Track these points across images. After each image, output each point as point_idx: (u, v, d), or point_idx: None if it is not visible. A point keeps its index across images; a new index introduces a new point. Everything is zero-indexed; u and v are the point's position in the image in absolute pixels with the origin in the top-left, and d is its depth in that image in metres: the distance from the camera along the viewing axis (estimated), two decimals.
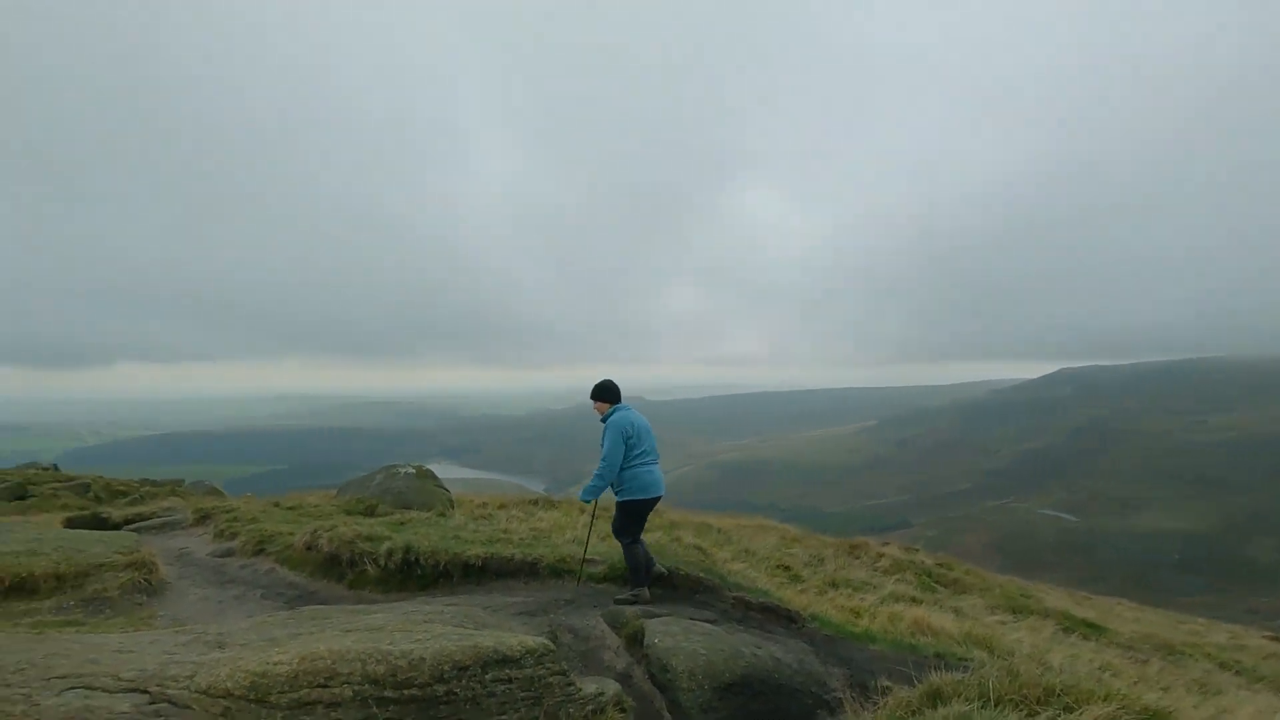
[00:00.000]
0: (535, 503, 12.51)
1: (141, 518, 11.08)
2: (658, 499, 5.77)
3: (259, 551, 8.08)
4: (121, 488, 18.44)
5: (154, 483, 19.78)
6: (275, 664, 2.85)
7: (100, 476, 20.17)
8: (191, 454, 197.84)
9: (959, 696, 3.44)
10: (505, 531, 8.53)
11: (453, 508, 11.01)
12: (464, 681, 3.14)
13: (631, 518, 5.74)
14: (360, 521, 8.49)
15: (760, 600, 5.92)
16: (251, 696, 2.75)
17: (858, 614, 7.08)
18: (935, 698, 3.52)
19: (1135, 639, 10.83)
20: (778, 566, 9.65)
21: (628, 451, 5.59)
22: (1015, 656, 5.23)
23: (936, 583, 12.13)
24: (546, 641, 3.66)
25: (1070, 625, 10.42)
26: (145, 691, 2.80)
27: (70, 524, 10.25)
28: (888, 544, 15.62)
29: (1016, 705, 3.30)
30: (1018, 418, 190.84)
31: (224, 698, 2.75)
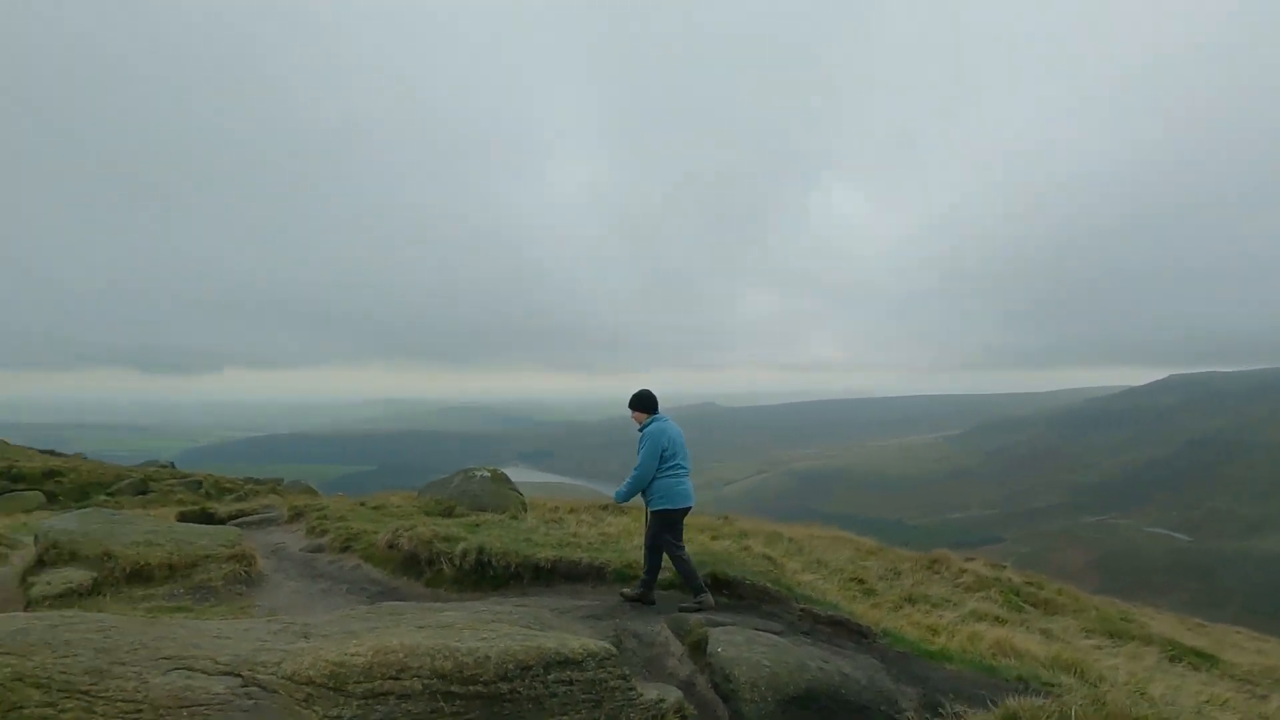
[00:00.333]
0: (605, 508, 12.67)
1: (244, 514, 11.92)
2: (687, 509, 5.86)
3: (346, 548, 8.54)
4: (228, 485, 19.92)
5: (256, 481, 21.24)
6: (352, 655, 3.04)
7: (211, 474, 21.84)
8: (290, 454, 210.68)
9: None
10: (574, 536, 8.68)
11: (525, 511, 11.29)
12: (527, 680, 3.23)
13: (666, 526, 5.85)
14: (438, 522, 8.85)
15: (829, 613, 5.79)
16: (330, 685, 2.93)
17: (935, 632, 6.80)
18: None
19: (1254, 672, 9.89)
20: (851, 579, 9.39)
21: (661, 462, 5.74)
22: (1107, 684, 4.91)
23: (1025, 602, 11.47)
24: (608, 645, 3.72)
25: (1177, 654, 9.62)
26: (238, 675, 3.03)
27: (182, 518, 11.16)
28: (971, 559, 14.90)
29: None
30: (1119, 428, 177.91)
31: (306, 684, 2.95)
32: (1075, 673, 6.00)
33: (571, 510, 11.90)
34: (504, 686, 3.17)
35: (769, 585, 6.16)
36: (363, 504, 12.39)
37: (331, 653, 3.07)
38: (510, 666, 3.22)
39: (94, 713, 2.73)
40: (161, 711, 2.77)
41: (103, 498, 17.70)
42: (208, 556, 7.02)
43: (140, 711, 2.76)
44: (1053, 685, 5.03)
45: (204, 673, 3.02)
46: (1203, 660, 9.76)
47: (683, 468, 5.82)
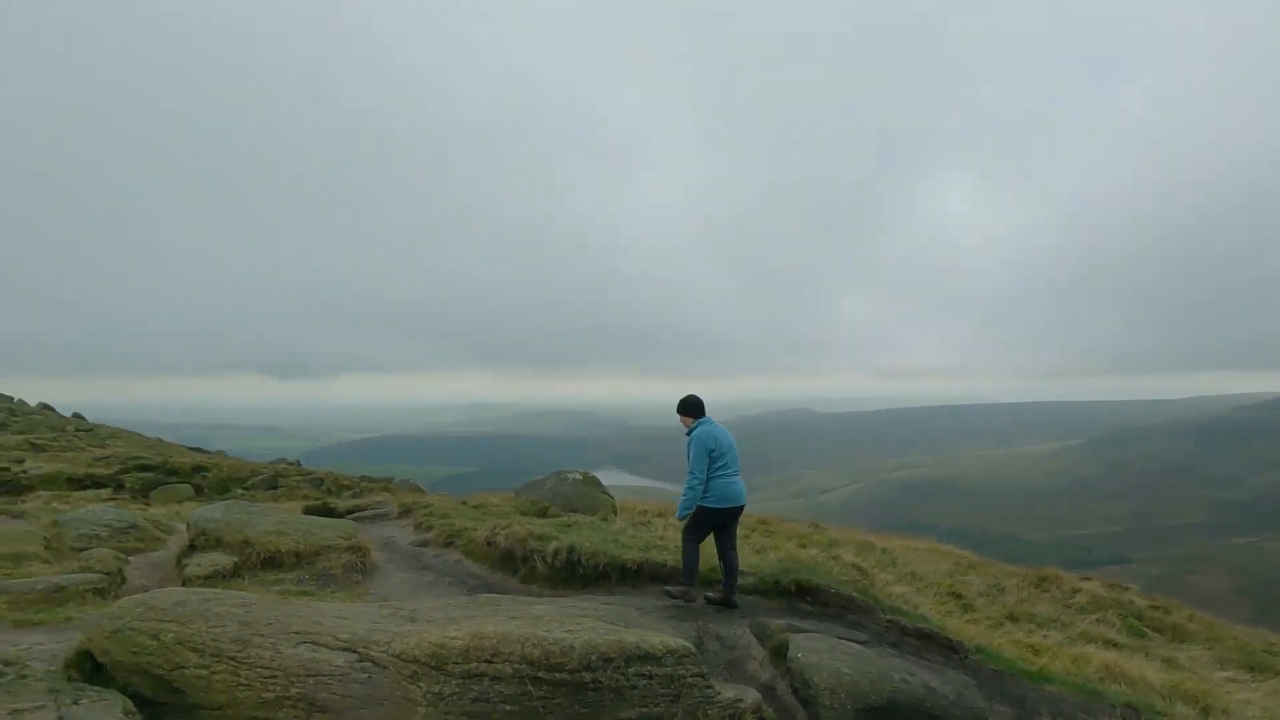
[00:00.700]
0: None
1: (359, 509, 12.90)
2: (739, 509, 5.94)
3: (449, 544, 9.12)
4: (346, 482, 21.53)
5: (370, 479, 22.83)
6: (451, 638, 3.34)
7: (330, 472, 23.70)
8: (399, 455, 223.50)
9: None
10: (661, 538, 8.85)
11: (615, 513, 11.59)
12: (608, 672, 3.43)
13: (703, 522, 5.95)
14: (532, 521, 9.27)
15: (917, 626, 5.66)
16: (432, 664, 3.25)
17: (1036, 651, 6.47)
18: None
19: None
20: (948, 594, 9.04)
21: (711, 463, 5.81)
22: None
23: (1148, 627, 10.60)
24: (687, 644, 3.86)
25: None
26: (355, 651, 3.41)
27: (307, 511, 12.22)
28: (1087, 579, 13.88)
29: None
30: (1271, 440, 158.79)
31: (412, 662, 3.28)
32: (1198, 705, 5.57)
33: (660, 514, 12.10)
34: (587, 676, 3.39)
35: (854, 594, 6.09)
36: (464, 503, 13.10)
37: (434, 635, 3.40)
38: (593, 658, 3.43)
39: (239, 675, 3.16)
40: (293, 678, 3.17)
41: (240, 491, 19.59)
42: (329, 547, 7.72)
43: (275, 677, 3.17)
44: (1167, 716, 4.72)
45: (327, 647, 3.42)
46: None
47: (730, 468, 5.89)
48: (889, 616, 5.82)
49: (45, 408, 37.56)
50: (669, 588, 6.17)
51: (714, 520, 5.94)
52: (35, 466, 18.67)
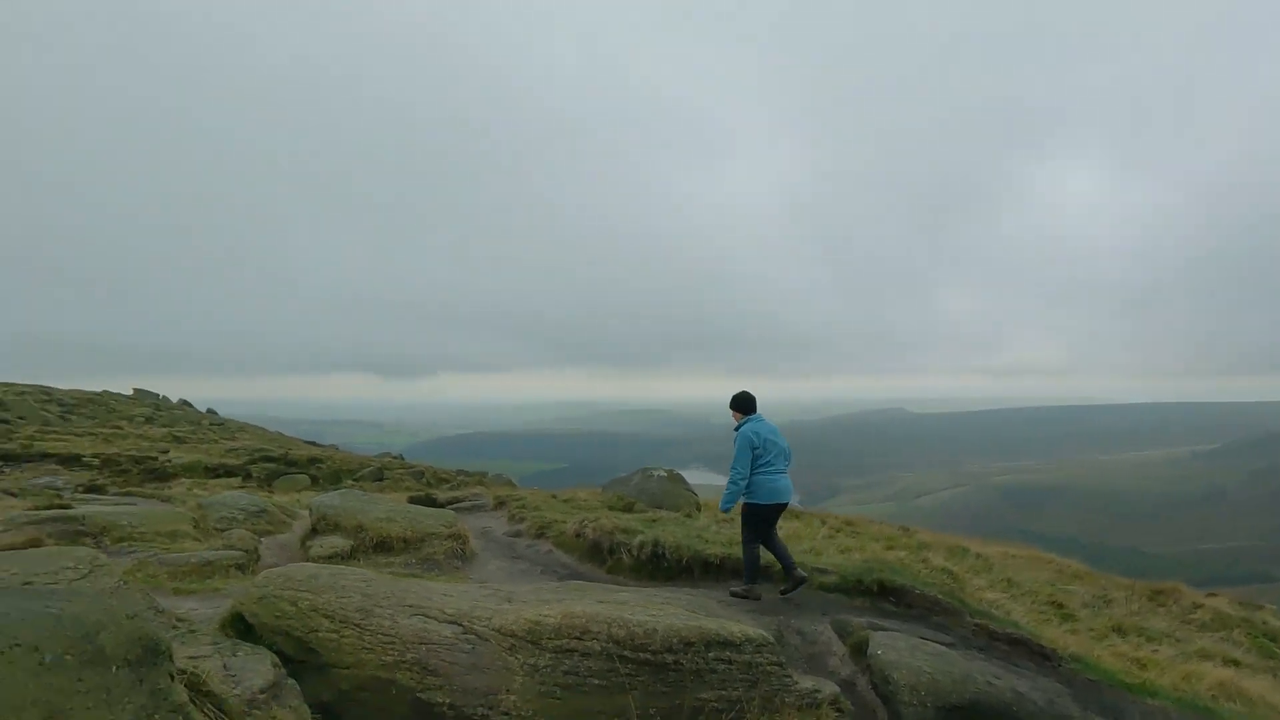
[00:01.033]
0: None
1: (457, 500, 13.71)
2: (782, 505, 6.03)
3: (540, 535, 9.60)
4: (444, 476, 22.79)
5: (466, 473, 24.02)
6: (545, 616, 3.66)
7: (430, 466, 25.14)
8: (492, 451, 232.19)
9: None
10: None
11: (698, 510, 11.77)
12: (689, 655, 3.65)
13: (753, 520, 6.07)
14: (619, 516, 9.61)
15: (1007, 630, 5.54)
16: (528, 638, 3.57)
17: (1142, 665, 6.15)
18: None
19: None
20: (1047, 603, 8.66)
21: (755, 460, 5.93)
22: None
23: None
24: (765, 634, 4.02)
25: None
26: (460, 624, 3.78)
27: (411, 501, 13.12)
28: (1213, 595, 12.80)
29: None
30: None
31: (510, 636, 3.61)
32: None
33: None
34: (669, 657, 3.61)
35: (939, 596, 6.01)
36: (554, 497, 13.66)
37: (529, 613, 3.72)
38: (674, 641, 3.65)
39: (363, 640, 3.59)
40: (408, 644, 3.57)
41: (350, 482, 21.15)
42: (432, 534, 8.33)
43: (393, 643, 3.58)
44: None
45: (435, 620, 3.81)
46: None
47: (774, 465, 5.99)
48: (977, 620, 5.71)
49: (184, 404, 41.79)
50: (734, 588, 6.29)
51: (762, 516, 6.09)
52: (178, 456, 20.90)
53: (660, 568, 7.45)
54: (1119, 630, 7.82)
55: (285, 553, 8.30)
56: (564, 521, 9.59)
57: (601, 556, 8.08)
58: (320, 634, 3.61)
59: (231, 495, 10.42)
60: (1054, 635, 6.43)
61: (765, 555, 6.39)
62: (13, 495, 10.73)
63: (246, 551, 7.08)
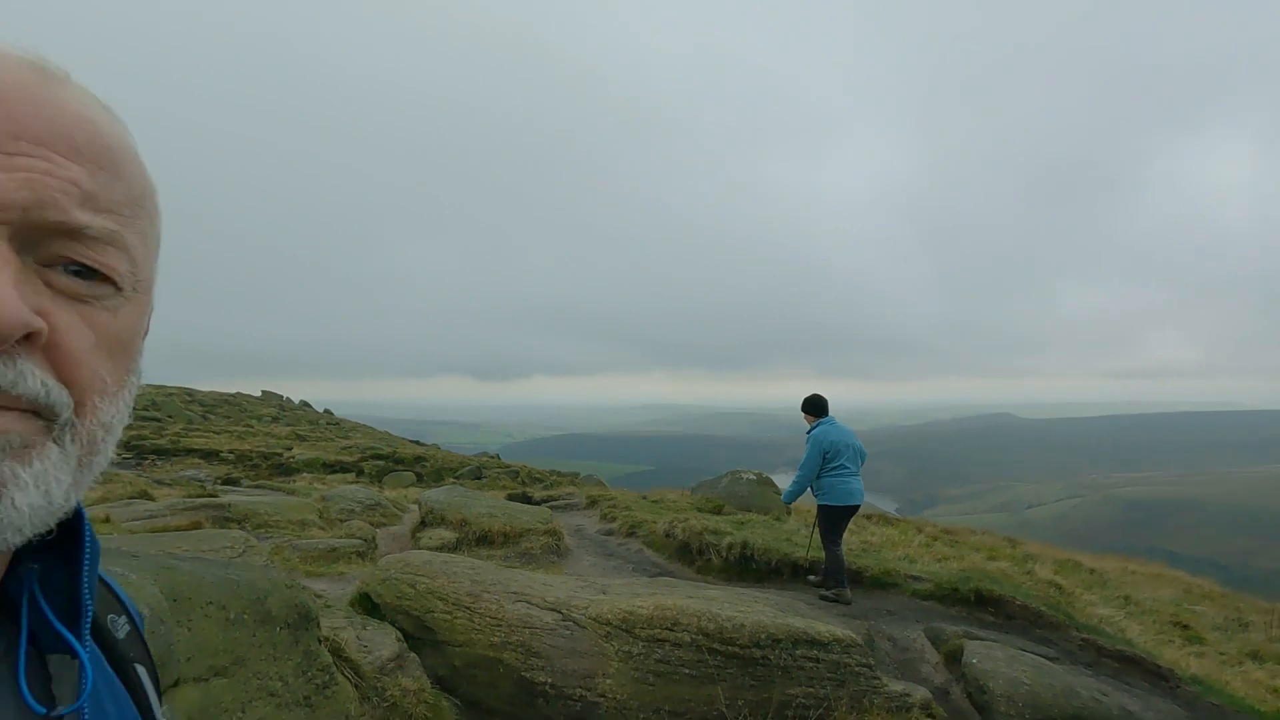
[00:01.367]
0: (869, 518, 12.49)
1: (551, 499, 14.25)
2: (854, 508, 6.09)
3: (630, 534, 9.87)
4: (538, 475, 23.65)
5: (559, 473, 24.81)
6: (638, 607, 3.87)
7: (525, 465, 26.14)
8: (584, 452, 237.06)
9: None
10: None
11: (788, 514, 11.70)
12: (776, 651, 3.76)
13: (828, 522, 6.14)
14: (708, 518, 9.74)
15: (1118, 647, 5.27)
16: (622, 627, 3.79)
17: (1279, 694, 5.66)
18: None
19: None
20: (1170, 622, 8.06)
21: (826, 463, 6.03)
22: None
23: None
24: (853, 635, 4.06)
25: None
26: (559, 611, 4.06)
27: (509, 498, 13.77)
28: None
29: None
30: None
31: (605, 624, 3.85)
32: None
33: None
34: (757, 652, 3.74)
35: (1043, 608, 5.78)
36: (644, 497, 13.94)
37: (623, 604, 3.95)
38: (762, 636, 3.78)
39: (474, 621, 3.93)
40: (513, 628, 3.88)
41: (451, 479, 22.34)
42: (529, 530, 8.77)
43: (500, 625, 3.90)
44: None
45: (537, 606, 4.11)
46: None
47: (846, 468, 6.04)
48: (1084, 635, 5.46)
49: (304, 404, 45.31)
50: (823, 591, 6.32)
51: (836, 517, 6.16)
52: (300, 453, 22.77)
53: (749, 569, 7.53)
54: (1255, 656, 7.19)
55: (398, 543, 8.97)
56: (654, 522, 9.82)
57: (690, 556, 8.24)
58: (435, 614, 3.98)
59: (349, 489, 11.35)
60: (1175, 656, 6.04)
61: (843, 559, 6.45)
62: (166, 485, 12.15)
63: (365, 540, 7.74)
